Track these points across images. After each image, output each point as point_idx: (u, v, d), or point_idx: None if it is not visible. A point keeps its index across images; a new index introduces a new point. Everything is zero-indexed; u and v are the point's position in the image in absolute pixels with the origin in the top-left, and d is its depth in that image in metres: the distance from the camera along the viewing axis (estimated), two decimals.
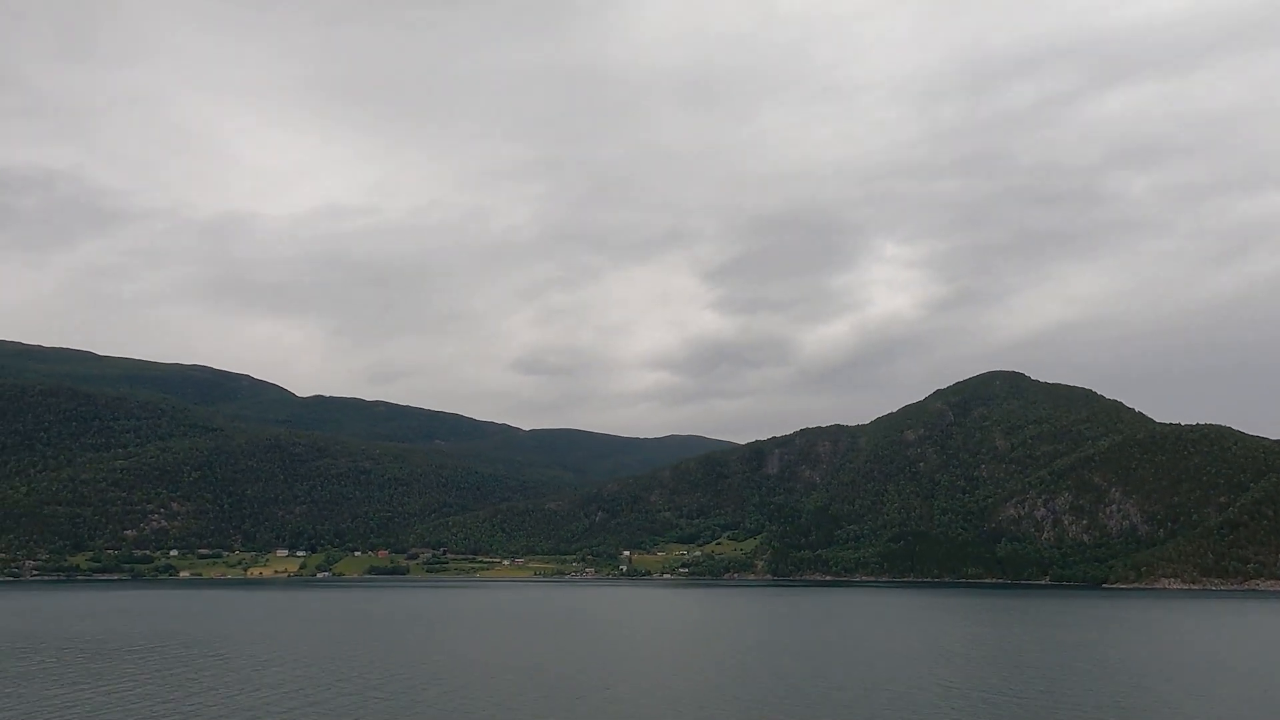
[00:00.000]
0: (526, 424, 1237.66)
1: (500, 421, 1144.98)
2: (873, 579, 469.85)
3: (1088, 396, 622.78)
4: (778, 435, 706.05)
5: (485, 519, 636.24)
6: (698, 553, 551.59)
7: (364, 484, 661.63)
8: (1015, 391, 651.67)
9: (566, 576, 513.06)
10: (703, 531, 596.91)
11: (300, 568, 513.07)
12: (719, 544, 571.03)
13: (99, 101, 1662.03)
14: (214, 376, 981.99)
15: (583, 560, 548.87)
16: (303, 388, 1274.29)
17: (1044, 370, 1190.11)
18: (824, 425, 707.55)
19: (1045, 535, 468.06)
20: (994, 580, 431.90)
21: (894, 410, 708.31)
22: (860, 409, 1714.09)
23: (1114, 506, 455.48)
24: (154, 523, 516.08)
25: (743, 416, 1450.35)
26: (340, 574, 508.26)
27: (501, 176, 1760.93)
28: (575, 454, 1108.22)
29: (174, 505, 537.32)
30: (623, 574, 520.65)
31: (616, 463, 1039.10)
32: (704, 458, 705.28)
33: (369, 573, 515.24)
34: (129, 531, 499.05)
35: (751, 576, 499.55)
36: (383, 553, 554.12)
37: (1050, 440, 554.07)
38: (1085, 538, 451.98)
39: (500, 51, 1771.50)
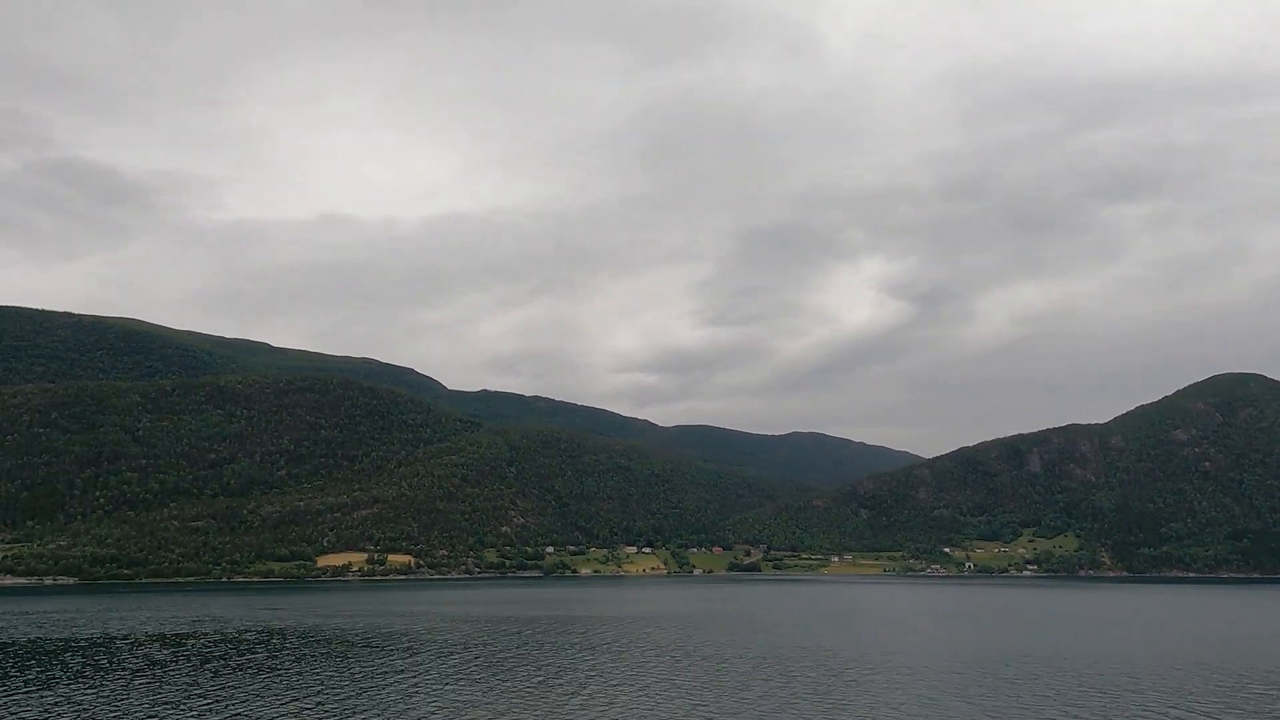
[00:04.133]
0: (661, 420, 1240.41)
1: (641, 418, 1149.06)
2: (1241, 575, 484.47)
3: None
4: (1022, 433, 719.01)
5: (771, 515, 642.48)
6: (1022, 551, 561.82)
7: (633, 480, 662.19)
8: (1273, 392, 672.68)
9: (924, 573, 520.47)
10: (1000, 530, 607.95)
11: (663, 564, 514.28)
12: (1031, 541, 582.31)
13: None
14: (382, 369, 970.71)
15: (912, 557, 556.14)
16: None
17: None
18: (1060, 425, 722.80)
19: None
20: None
21: (1130, 410, 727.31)
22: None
23: None
24: (514, 520, 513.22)
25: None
26: (710, 571, 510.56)
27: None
28: (712, 450, 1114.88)
29: (519, 502, 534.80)
30: (968, 572, 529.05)
31: (743, 457, 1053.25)
32: (958, 455, 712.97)
33: (729, 570, 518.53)
34: (504, 528, 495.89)
35: (1111, 574, 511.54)
36: (718, 549, 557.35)
37: None
38: None
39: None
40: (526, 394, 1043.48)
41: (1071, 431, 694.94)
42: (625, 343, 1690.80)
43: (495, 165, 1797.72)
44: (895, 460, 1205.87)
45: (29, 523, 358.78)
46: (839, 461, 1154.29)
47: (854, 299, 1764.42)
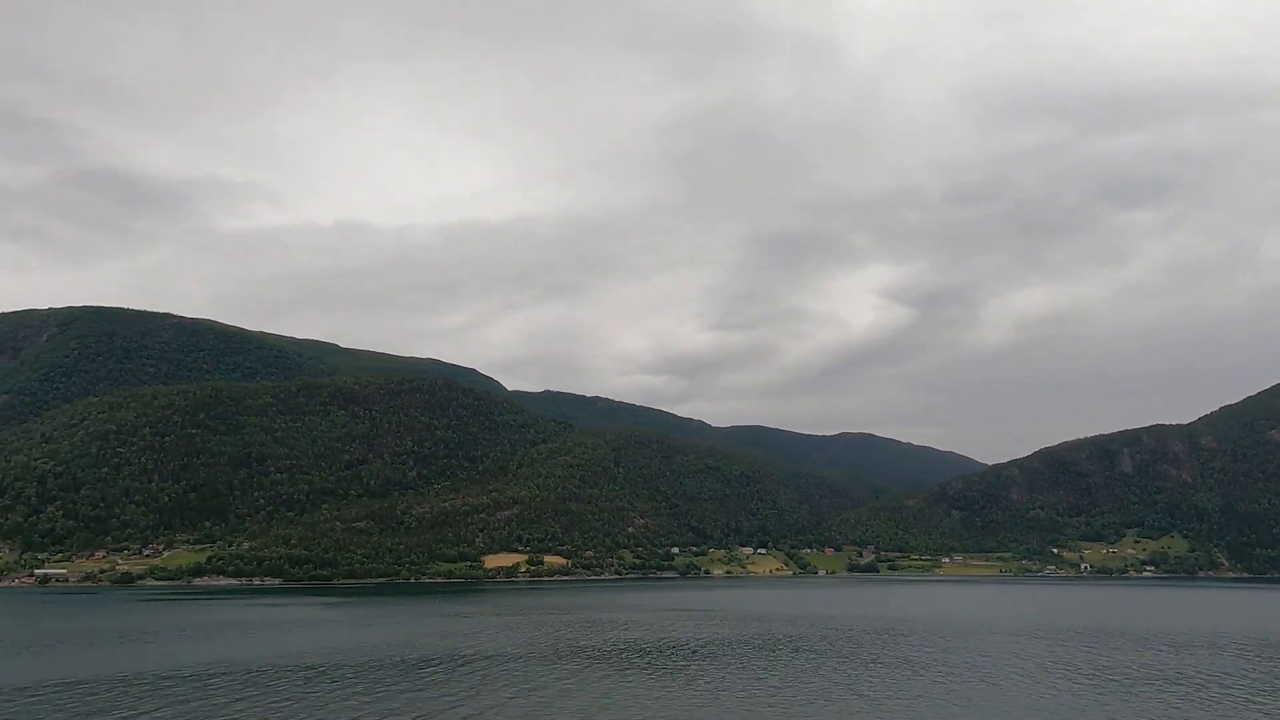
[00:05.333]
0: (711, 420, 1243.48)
1: (697, 419, 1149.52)
2: None
3: None
4: (1103, 433, 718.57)
5: (869, 516, 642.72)
6: (1131, 552, 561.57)
7: (724, 480, 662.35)
8: None
9: (1041, 575, 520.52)
10: (1102, 531, 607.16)
11: (783, 565, 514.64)
12: (1138, 542, 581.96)
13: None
14: (447, 370, 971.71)
15: (1024, 558, 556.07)
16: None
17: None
18: (1145, 425, 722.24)
19: None
20: None
21: (1216, 410, 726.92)
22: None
23: None
24: (636, 521, 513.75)
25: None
26: (832, 572, 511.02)
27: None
28: (766, 450, 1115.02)
29: (637, 503, 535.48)
30: (1086, 574, 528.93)
31: (797, 457, 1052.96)
32: (1044, 455, 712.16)
33: (849, 571, 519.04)
34: (629, 529, 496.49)
35: (1231, 575, 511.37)
36: (829, 550, 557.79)
37: None
38: None
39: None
40: (587, 394, 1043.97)
41: (1161, 432, 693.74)
42: (632, 346, 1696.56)
43: (517, 176, 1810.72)
44: (941, 460, 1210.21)
45: (206, 523, 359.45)
46: (888, 461, 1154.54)
47: (859, 302, 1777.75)
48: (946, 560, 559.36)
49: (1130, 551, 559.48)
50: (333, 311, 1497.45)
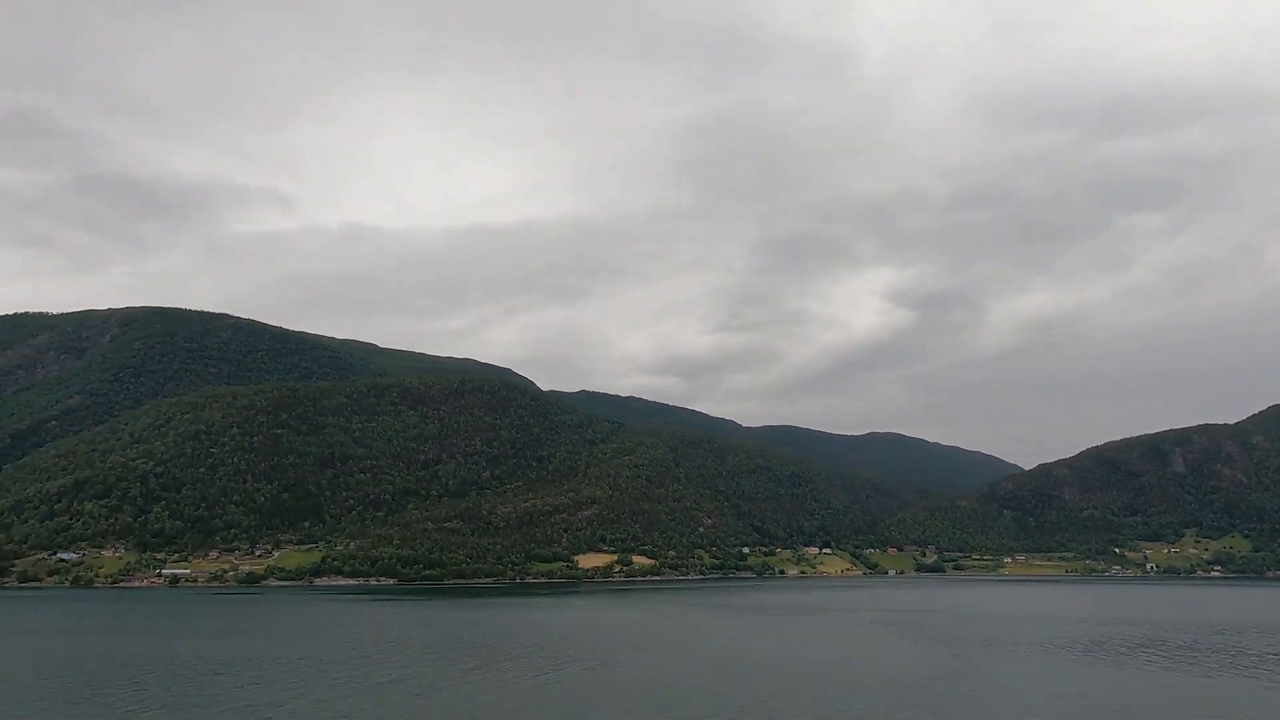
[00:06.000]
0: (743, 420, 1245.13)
1: (730, 419, 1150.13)
2: None
3: None
4: (1146, 434, 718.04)
5: (925, 516, 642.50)
6: (1194, 552, 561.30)
7: (776, 480, 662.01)
8: None
9: (1108, 575, 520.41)
10: (1160, 531, 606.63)
11: (852, 565, 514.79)
12: (1198, 542, 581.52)
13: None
14: (484, 369, 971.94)
15: (1087, 558, 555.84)
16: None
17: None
18: (1191, 425, 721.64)
19: None
20: None
21: (1264, 409, 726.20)
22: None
23: None
24: (704, 521, 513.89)
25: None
26: (901, 572, 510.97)
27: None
28: (800, 451, 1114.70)
29: (703, 503, 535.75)
30: (1152, 574, 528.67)
31: (830, 457, 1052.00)
32: (1094, 455, 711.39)
33: (918, 571, 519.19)
34: (700, 529, 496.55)
35: None
36: (892, 550, 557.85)
37: None
38: None
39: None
40: (622, 394, 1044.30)
41: (1212, 431, 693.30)
42: (634, 348, 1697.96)
43: (529, 183, 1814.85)
44: (969, 460, 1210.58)
45: (304, 524, 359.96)
46: (919, 461, 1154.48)
47: (863, 305, 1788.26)
48: (1008, 560, 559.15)
49: (1193, 551, 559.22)
50: (336, 314, 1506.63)
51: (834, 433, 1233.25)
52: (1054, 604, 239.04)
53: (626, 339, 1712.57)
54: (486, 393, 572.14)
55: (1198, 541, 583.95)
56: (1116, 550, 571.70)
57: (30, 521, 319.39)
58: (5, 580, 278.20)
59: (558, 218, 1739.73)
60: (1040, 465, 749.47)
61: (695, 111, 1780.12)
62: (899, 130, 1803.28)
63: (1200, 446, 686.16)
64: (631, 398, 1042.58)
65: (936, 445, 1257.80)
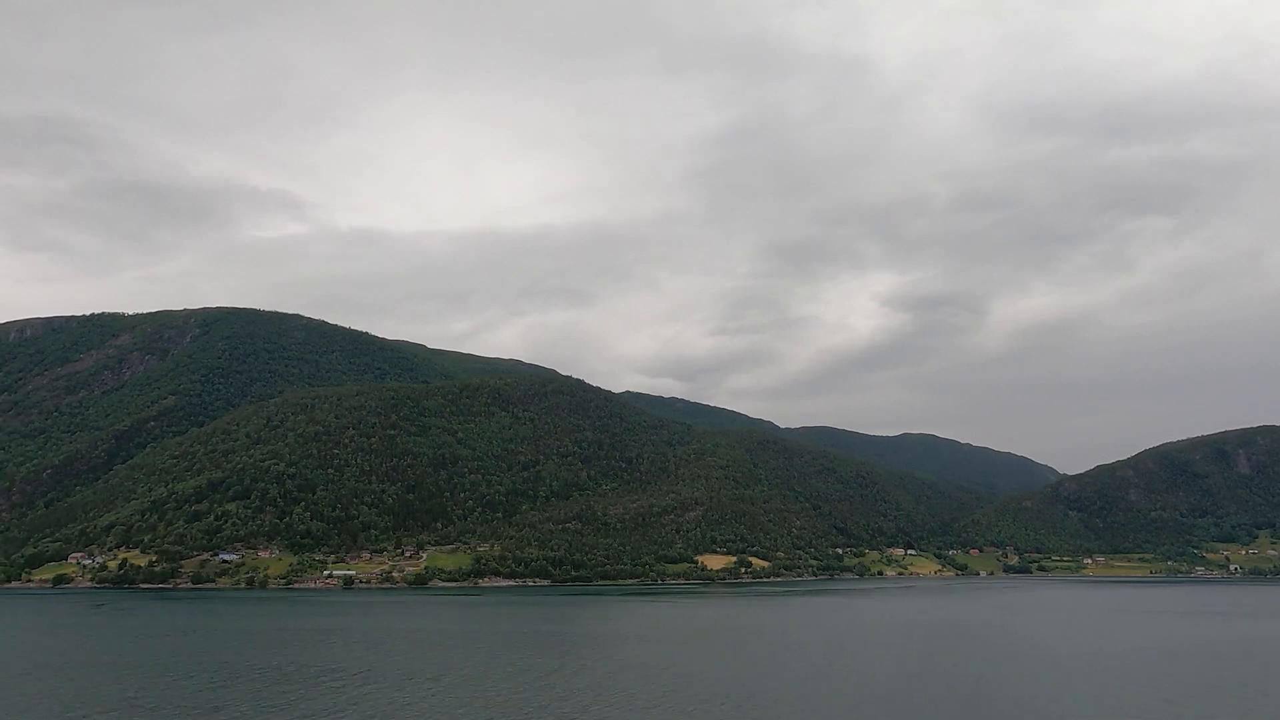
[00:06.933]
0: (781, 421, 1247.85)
1: (767, 419, 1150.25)
2: None
3: None
4: (1204, 434, 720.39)
5: (996, 517, 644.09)
6: (1273, 553, 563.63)
7: (842, 481, 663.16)
8: None
9: (1191, 576, 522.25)
10: (1233, 532, 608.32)
11: (941, 567, 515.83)
12: (1274, 543, 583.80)
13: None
14: (531, 370, 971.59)
15: (1169, 559, 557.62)
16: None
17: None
18: (1254, 426, 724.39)
19: None
20: None
21: None
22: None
23: None
24: (794, 522, 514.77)
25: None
26: (991, 573, 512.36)
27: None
28: (840, 451, 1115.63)
29: (790, 505, 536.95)
30: (1237, 575, 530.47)
31: (870, 458, 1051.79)
32: (1157, 456, 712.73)
33: (1005, 572, 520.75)
34: (792, 530, 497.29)
35: None
36: (974, 551, 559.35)
37: None
38: None
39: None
40: (665, 395, 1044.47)
41: (1275, 433, 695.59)
42: (635, 350, 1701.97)
43: (540, 192, 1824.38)
44: (1001, 460, 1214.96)
45: (437, 524, 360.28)
46: (951, 462, 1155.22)
47: (866, 308, 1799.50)
48: (1089, 561, 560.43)
49: (1271, 553, 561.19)
50: (340, 314, 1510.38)
51: (868, 433, 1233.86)
52: (1226, 601, 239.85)
53: (627, 341, 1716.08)
54: (567, 394, 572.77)
55: (1274, 543, 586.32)
56: (1194, 551, 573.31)
57: (178, 523, 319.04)
58: (178, 581, 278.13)
59: (570, 224, 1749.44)
60: (1099, 466, 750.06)
61: (711, 123, 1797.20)
62: (909, 138, 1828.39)
63: (1264, 447, 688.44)
64: (674, 399, 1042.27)
65: (968, 446, 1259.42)
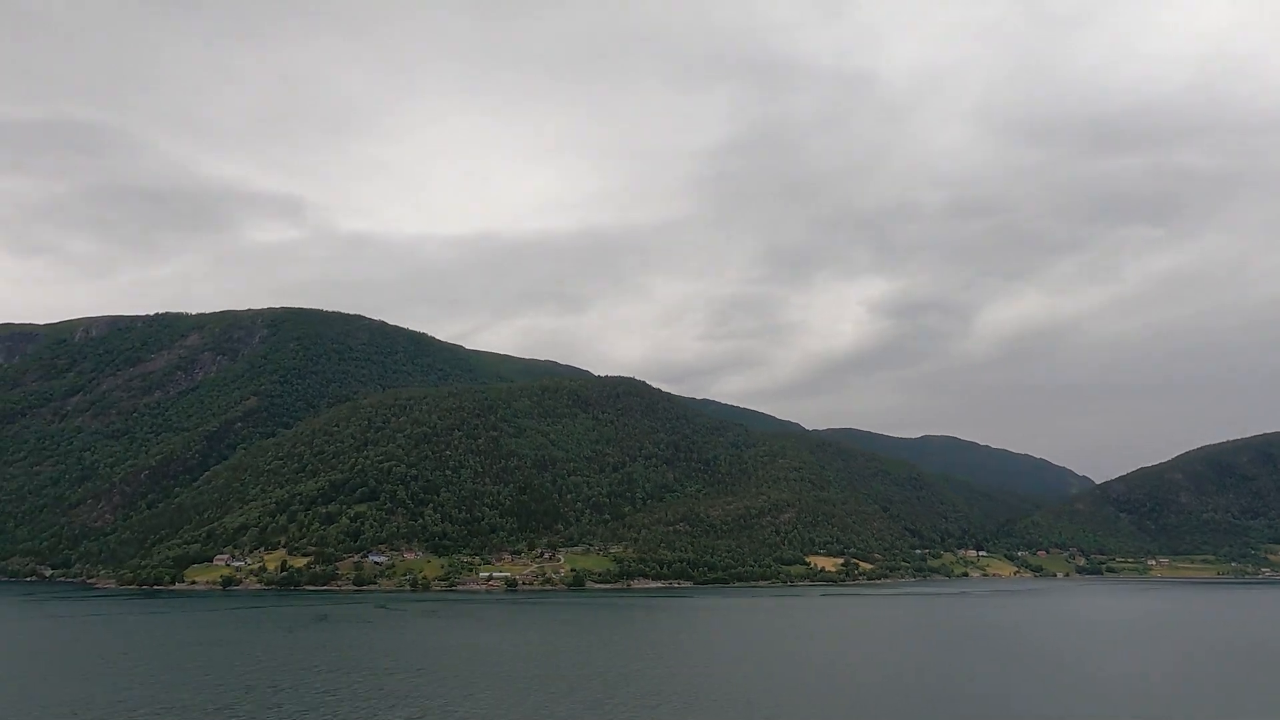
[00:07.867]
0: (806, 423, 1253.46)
1: (793, 420, 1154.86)
2: None
3: None
4: (1259, 435, 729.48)
5: (1053, 518, 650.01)
6: None
7: (895, 484, 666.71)
8: None
9: (1259, 577, 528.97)
10: None
11: (1017, 568, 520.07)
12: None
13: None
14: (565, 370, 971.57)
15: (1233, 560, 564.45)
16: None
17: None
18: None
19: None
20: None
21: None
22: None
23: None
24: (874, 525, 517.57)
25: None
26: (1066, 575, 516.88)
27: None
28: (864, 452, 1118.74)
29: (864, 507, 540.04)
30: None
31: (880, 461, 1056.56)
32: (1204, 458, 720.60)
33: (1078, 573, 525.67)
34: (873, 532, 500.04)
35: None
36: (1041, 553, 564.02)
37: None
38: None
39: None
40: (697, 397, 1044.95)
41: None
42: (626, 352, 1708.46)
43: (547, 197, 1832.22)
44: (1021, 463, 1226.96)
45: (558, 526, 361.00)
46: (973, 464, 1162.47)
47: (865, 310, 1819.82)
48: (1152, 563, 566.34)
49: None
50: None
51: (889, 435, 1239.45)
52: None
53: (618, 344, 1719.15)
54: (636, 395, 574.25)
55: None
56: (1253, 552, 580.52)
57: (312, 525, 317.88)
58: (338, 583, 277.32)
59: (570, 230, 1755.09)
60: (1142, 468, 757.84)
61: (717, 134, 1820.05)
62: (909, 148, 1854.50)
63: None
64: (706, 400, 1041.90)
65: (987, 448, 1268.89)
